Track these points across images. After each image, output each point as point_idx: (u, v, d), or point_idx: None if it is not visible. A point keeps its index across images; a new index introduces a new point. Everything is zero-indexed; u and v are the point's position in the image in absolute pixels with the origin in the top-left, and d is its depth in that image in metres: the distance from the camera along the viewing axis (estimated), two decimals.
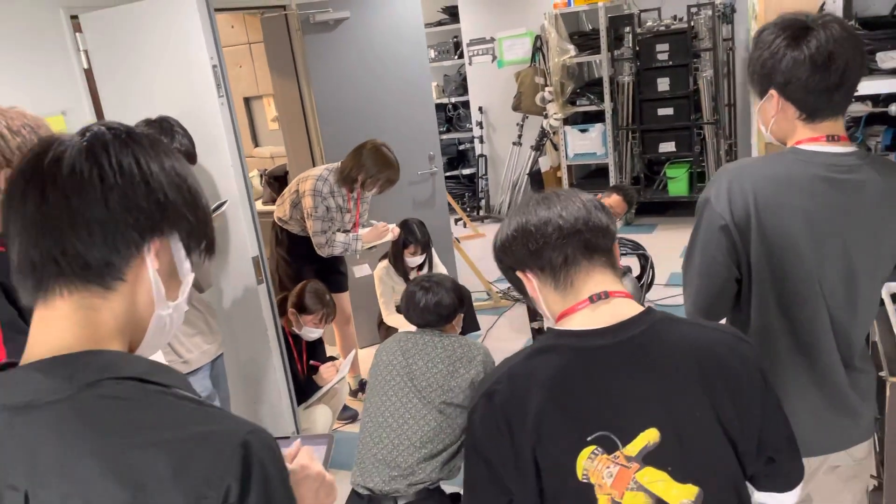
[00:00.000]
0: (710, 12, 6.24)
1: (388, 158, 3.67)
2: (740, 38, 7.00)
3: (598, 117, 6.68)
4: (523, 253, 1.24)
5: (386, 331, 4.32)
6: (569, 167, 6.81)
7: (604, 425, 1.13)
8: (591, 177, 7.10)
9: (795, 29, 1.50)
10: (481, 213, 7.66)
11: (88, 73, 3.21)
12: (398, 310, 4.35)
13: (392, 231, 3.91)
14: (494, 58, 7.36)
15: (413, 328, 4.23)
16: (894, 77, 2.14)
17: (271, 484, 0.79)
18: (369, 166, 3.64)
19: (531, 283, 1.26)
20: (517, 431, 1.15)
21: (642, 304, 1.21)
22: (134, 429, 0.78)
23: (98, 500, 0.75)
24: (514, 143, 7.39)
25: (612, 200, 4.55)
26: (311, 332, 3.47)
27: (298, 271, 3.88)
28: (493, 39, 7.33)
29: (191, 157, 2.67)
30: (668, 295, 4.96)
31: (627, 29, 6.40)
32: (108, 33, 3.06)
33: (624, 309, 1.18)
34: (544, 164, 7.21)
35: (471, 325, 4.36)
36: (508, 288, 5.40)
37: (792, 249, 1.53)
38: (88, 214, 0.81)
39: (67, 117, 3.10)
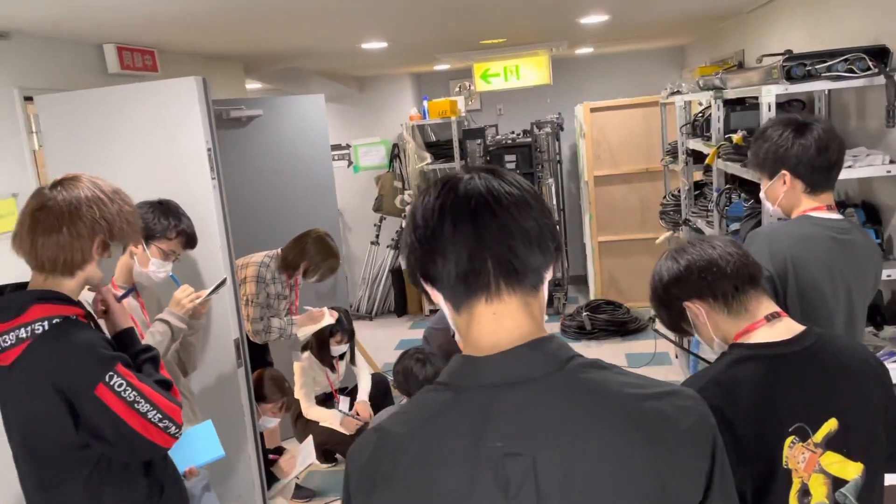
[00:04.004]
0: (549, 129, 7.15)
1: (331, 248, 3.79)
2: (565, 153, 8.03)
3: None
4: (699, 285, 1.53)
5: (304, 424, 4.24)
6: None
7: (800, 418, 1.43)
8: None
9: (797, 124, 2.03)
10: None
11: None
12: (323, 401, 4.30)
13: (331, 313, 3.94)
14: (350, 163, 7.69)
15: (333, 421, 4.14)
16: None
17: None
18: (313, 254, 3.72)
19: (700, 311, 1.55)
20: (734, 429, 1.40)
21: None
22: (629, 387, 0.94)
23: (619, 445, 0.89)
24: (371, 243, 7.67)
25: None
26: (268, 422, 3.39)
27: None
28: (348, 146, 7.68)
29: (193, 239, 2.63)
30: None
31: (479, 141, 7.09)
32: (67, 116, 2.95)
33: (794, 325, 1.51)
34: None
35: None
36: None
37: (817, 293, 1.99)
38: (527, 227, 0.97)
39: (19, 199, 2.88)
